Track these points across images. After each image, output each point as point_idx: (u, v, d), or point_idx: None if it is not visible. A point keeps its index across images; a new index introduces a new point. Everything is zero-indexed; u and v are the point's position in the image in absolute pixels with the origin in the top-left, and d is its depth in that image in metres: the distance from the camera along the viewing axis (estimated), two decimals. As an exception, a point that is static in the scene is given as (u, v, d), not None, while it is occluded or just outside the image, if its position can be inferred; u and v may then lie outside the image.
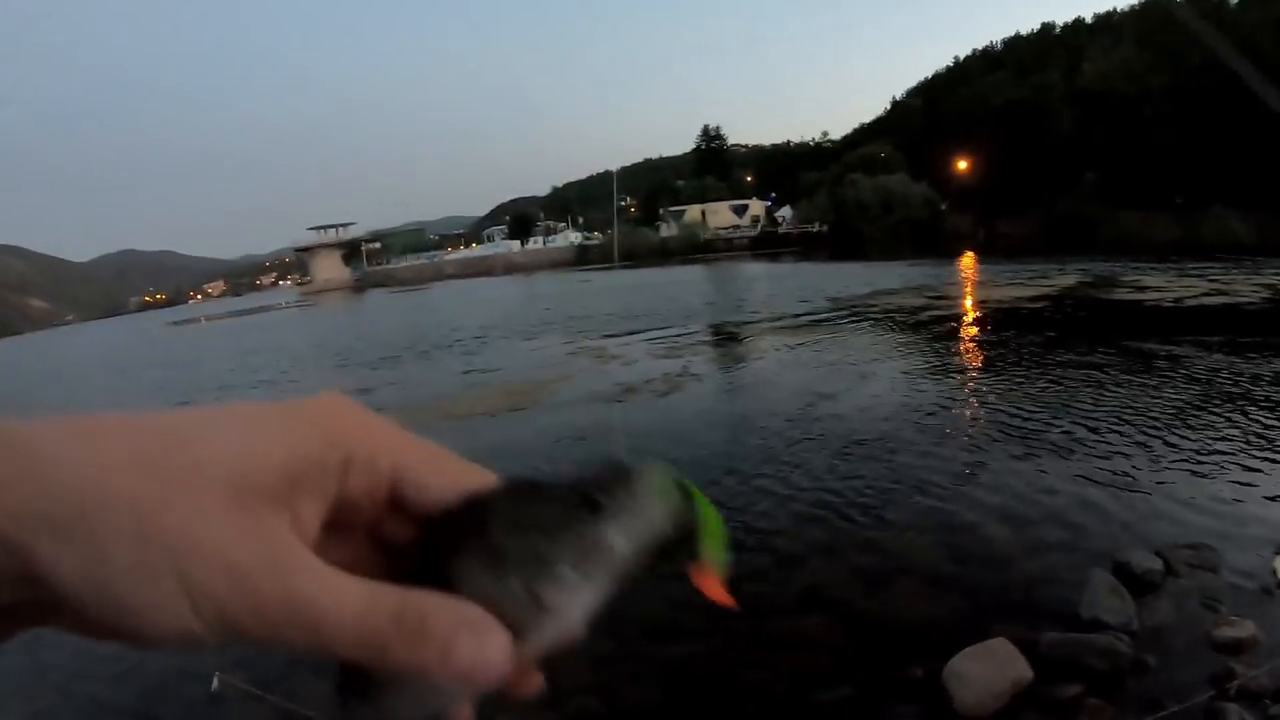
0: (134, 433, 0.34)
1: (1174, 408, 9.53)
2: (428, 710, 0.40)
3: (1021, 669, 4.45)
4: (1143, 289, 20.70)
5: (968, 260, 33.55)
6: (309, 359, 26.00)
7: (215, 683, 5.31)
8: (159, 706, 5.66)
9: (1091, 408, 9.84)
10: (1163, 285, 20.96)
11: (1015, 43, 79.78)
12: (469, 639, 0.35)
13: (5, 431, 0.30)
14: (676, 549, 0.44)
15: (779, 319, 20.57)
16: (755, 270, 44.03)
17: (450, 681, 0.37)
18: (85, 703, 5.91)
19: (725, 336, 19.15)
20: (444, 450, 0.43)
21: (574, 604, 0.39)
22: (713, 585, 0.45)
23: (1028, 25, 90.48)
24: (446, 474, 0.42)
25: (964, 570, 5.95)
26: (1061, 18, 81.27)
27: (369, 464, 0.40)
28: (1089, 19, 72.50)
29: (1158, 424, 8.93)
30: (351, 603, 0.35)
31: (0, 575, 0.30)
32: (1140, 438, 8.51)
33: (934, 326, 17.18)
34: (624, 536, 0.40)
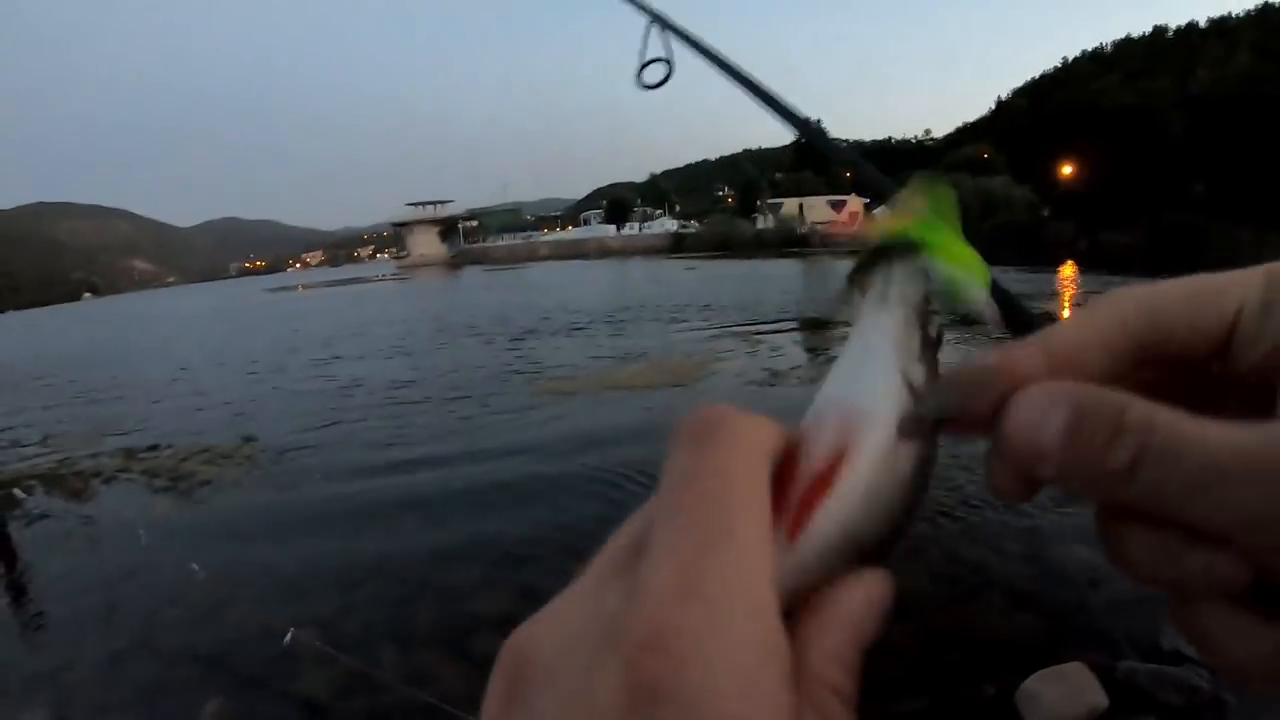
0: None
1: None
2: None
3: (1096, 696, 4.39)
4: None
5: (1069, 270, 33.23)
6: (440, 331, 26.23)
7: (289, 638, 5.32)
8: (231, 657, 5.78)
9: None
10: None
11: (1126, 45, 78.15)
12: None
13: None
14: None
15: None
16: None
17: None
18: (160, 649, 6.02)
19: None
20: None
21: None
22: None
23: (1139, 28, 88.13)
24: None
25: (1046, 589, 5.90)
26: (1175, 21, 79.16)
27: None
28: (1203, 24, 71.01)
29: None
30: None
31: None
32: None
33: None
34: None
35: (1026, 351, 0.34)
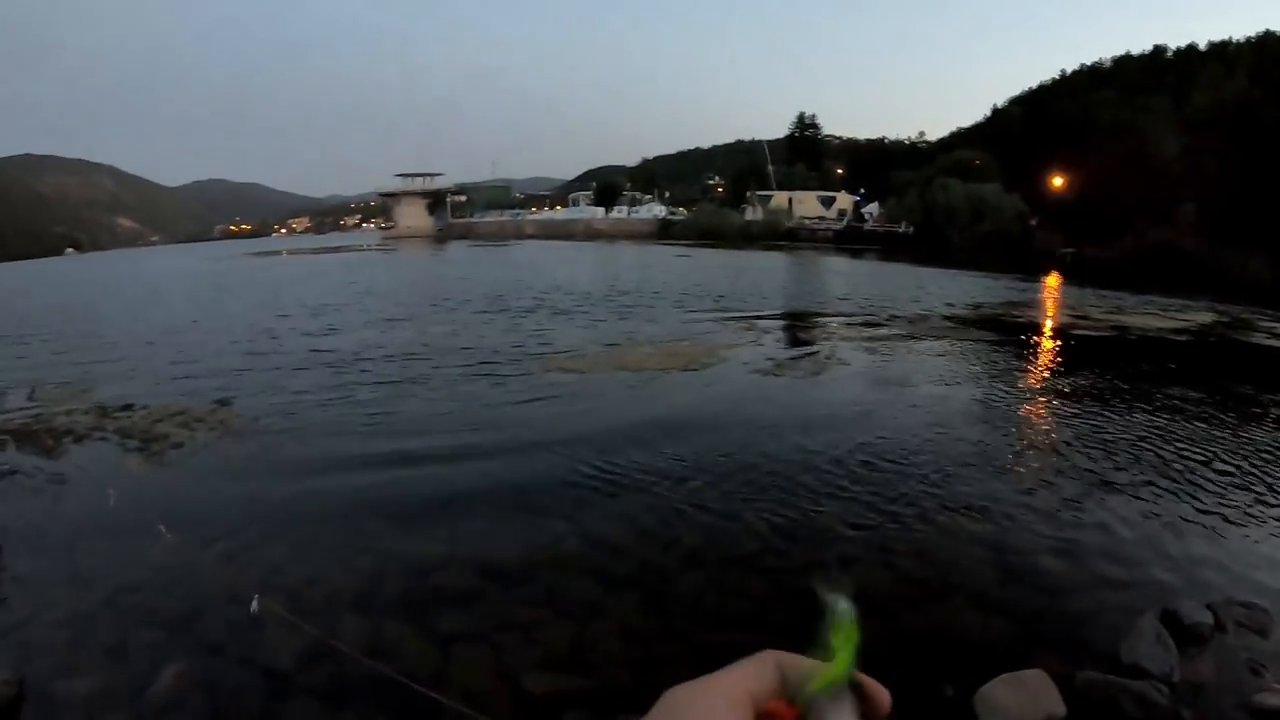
0: None
1: (1258, 460, 9.10)
2: None
3: (1054, 704, 4.43)
4: (1264, 332, 19.17)
5: (1053, 280, 33.22)
6: (434, 307, 25.87)
7: (255, 605, 5.46)
8: (196, 621, 5.80)
9: (1169, 448, 9.50)
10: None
11: (1125, 62, 77.85)
12: None
13: None
14: None
15: (902, 319, 20.73)
16: (848, 266, 43.77)
17: None
18: (125, 610, 6.02)
19: (868, 330, 19.02)
20: None
21: None
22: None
23: (1139, 46, 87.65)
24: None
25: (1010, 595, 5.93)
26: (1175, 42, 78.85)
27: None
28: (1203, 46, 70.91)
29: (1237, 474, 8.60)
30: None
31: None
32: (1216, 486, 8.22)
33: (1021, 345, 17.21)
34: None
35: None
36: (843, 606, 0.61)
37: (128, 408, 12.57)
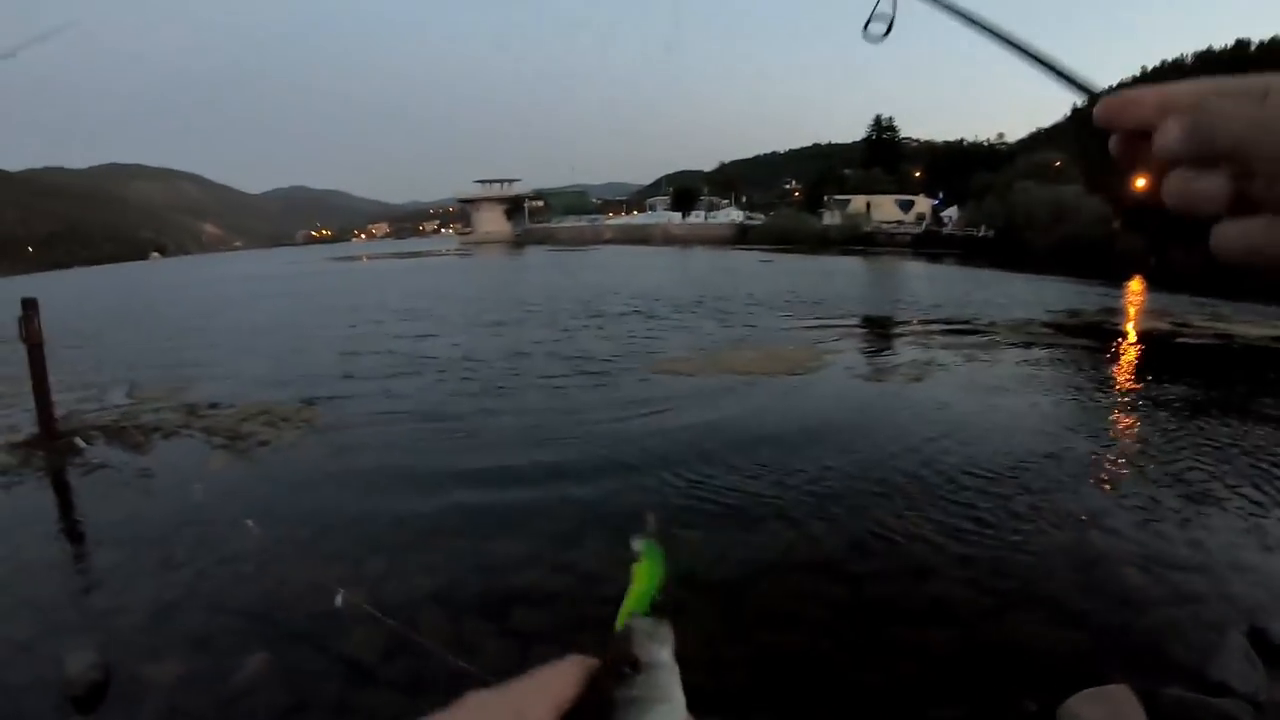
0: None
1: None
2: None
3: None
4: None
5: (1137, 285, 32.23)
6: (528, 312, 25.97)
7: (339, 599, 5.56)
8: (278, 611, 5.95)
9: (1269, 462, 8.93)
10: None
11: (1207, 57, 75.90)
12: None
13: None
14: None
15: (998, 326, 20.04)
16: (930, 271, 42.84)
17: None
18: (209, 600, 6.19)
19: (964, 337, 18.61)
20: None
21: None
22: None
23: (1221, 40, 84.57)
24: None
25: (1093, 608, 5.76)
26: (1258, 35, 76.26)
27: None
28: (1287, 38, 68.57)
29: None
30: None
31: None
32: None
33: (1122, 352, 16.76)
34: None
35: (1154, 97, 0.50)
36: (642, 545, 0.67)
37: (214, 405, 13.02)
